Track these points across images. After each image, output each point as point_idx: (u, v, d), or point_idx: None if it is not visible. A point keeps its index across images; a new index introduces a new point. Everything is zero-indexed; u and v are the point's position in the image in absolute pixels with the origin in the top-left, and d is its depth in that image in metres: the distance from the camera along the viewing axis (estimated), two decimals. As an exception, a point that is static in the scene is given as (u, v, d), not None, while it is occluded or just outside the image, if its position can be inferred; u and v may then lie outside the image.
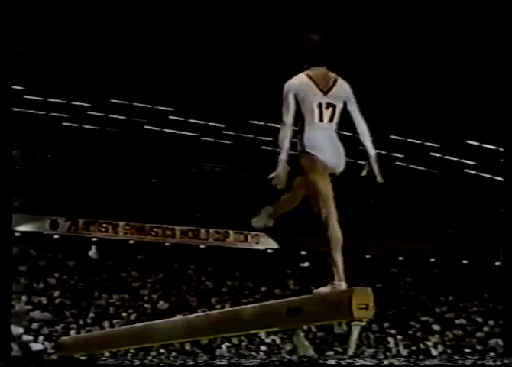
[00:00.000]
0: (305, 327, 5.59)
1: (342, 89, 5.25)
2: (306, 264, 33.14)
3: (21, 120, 28.31)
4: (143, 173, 31.35)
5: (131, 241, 29.88)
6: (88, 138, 30.86)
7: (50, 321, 24.82)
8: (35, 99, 29.21)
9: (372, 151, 5.44)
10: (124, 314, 26.20)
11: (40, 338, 23.65)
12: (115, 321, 25.12)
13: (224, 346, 25.77)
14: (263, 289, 29.62)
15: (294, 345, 5.41)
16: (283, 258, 31.94)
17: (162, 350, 24.20)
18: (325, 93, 5.15)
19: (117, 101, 30.15)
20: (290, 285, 31.08)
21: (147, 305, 27.26)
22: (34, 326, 24.31)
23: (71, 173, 30.28)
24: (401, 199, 34.58)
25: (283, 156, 5.17)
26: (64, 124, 30.82)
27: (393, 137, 33.39)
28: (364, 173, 5.47)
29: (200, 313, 6.74)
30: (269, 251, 32.20)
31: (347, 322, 5.09)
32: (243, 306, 6.04)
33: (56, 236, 28.85)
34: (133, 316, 25.85)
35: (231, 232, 31.37)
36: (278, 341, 26.45)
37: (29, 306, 25.29)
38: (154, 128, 32.13)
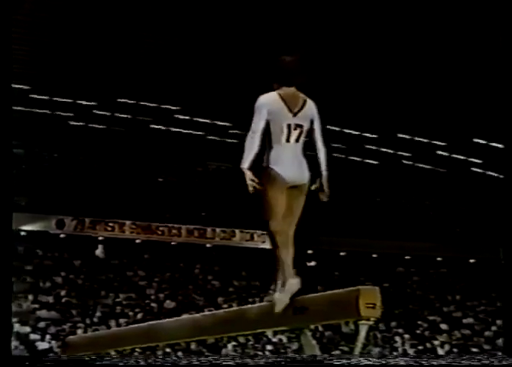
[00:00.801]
0: (311, 326, 5.57)
1: (310, 110, 5.44)
2: (312, 263, 33.11)
3: (27, 119, 28.39)
4: (149, 172, 31.38)
5: (138, 241, 29.91)
6: (94, 137, 30.90)
7: (57, 320, 24.87)
8: (41, 98, 29.25)
9: (325, 172, 5.52)
10: (130, 313, 26.24)
11: (47, 337, 23.70)
12: (121, 320, 25.16)
13: (230, 346, 25.78)
14: (269, 288, 29.56)
15: (301, 345, 5.40)
16: (289, 257, 31.89)
17: (168, 349, 24.23)
18: (295, 114, 5.34)
19: (123, 100, 30.17)
20: (297, 284, 31.02)
21: (153, 304, 27.29)
22: (41, 325, 24.36)
23: (77, 172, 30.32)
24: (408, 198, 34.52)
25: (246, 165, 5.29)
26: (70, 123, 30.85)
27: (400, 135, 33.35)
28: (312, 187, 5.54)
29: (207, 313, 6.74)
30: (275, 250, 32.13)
31: (354, 321, 5.08)
32: (250, 306, 6.05)
33: (62, 235, 28.90)
34: (139, 316, 25.89)
35: (237, 231, 31.37)
36: (285, 340, 26.45)
37: (36, 305, 25.34)
38: (160, 127, 32.15)
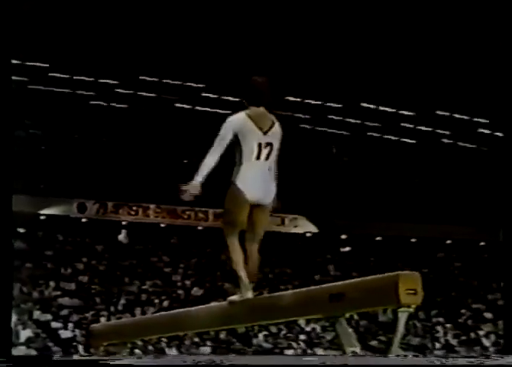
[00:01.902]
0: (347, 315, 5.54)
1: (278, 129, 5.93)
2: (347, 249, 33.07)
3: (45, 99, 28.56)
4: (174, 153, 31.44)
5: (162, 225, 30.05)
6: (116, 117, 31.00)
7: (79, 308, 25.14)
8: (60, 76, 29.38)
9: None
10: (156, 301, 26.44)
11: (70, 325, 23.98)
12: (146, 308, 25.36)
13: (261, 335, 25.88)
14: (301, 275, 29.63)
15: (337, 334, 5.37)
16: (322, 242, 31.90)
17: (196, 339, 24.40)
18: (265, 133, 5.81)
19: (146, 78, 30.20)
20: (331, 271, 31.06)
21: (180, 291, 27.46)
22: (63, 312, 24.65)
23: (99, 153, 30.48)
24: (448, 179, 34.22)
25: (200, 179, 6.06)
26: (91, 102, 30.98)
27: (439, 112, 33.05)
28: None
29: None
30: (308, 235, 32.17)
31: (393, 309, 5.05)
32: (282, 292, 6.03)
33: (83, 220, 29.12)
34: (165, 303, 26.07)
35: (267, 215, 31.35)
36: (319, 329, 26.49)
37: (57, 292, 25.62)
38: (186, 106, 32.16)
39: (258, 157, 5.80)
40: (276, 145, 5.88)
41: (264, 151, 5.81)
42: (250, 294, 5.98)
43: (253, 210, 5.94)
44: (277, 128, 5.92)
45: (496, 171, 34.04)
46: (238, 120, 5.83)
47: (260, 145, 5.78)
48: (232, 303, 6.16)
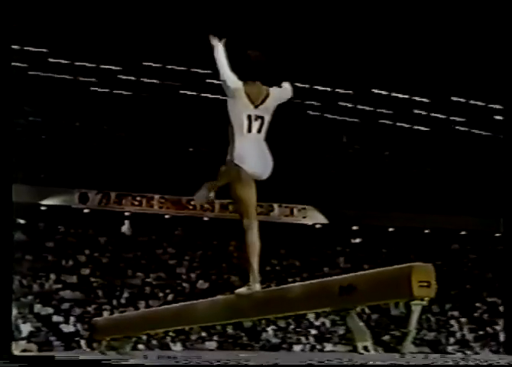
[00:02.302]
0: (358, 308, 5.54)
1: (273, 100, 5.99)
2: (358, 240, 33.08)
3: (45, 85, 28.57)
4: (179, 141, 31.46)
5: (167, 216, 30.11)
6: (119, 104, 31.01)
7: (81, 301, 25.23)
8: (60, 62, 29.38)
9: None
10: (160, 294, 26.52)
11: (71, 319, 24.08)
12: (151, 302, 25.43)
13: (270, 330, 25.94)
14: (310, 267, 29.66)
15: (348, 328, 5.36)
16: (332, 233, 31.92)
17: (204, 334, 24.48)
18: (256, 106, 5.88)
19: (149, 63, 30.18)
20: (341, 263, 31.09)
21: (185, 284, 27.53)
22: (65, 306, 24.74)
23: (101, 142, 30.51)
24: (463, 168, 34.14)
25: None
26: (93, 89, 30.98)
27: (453, 99, 32.95)
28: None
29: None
30: (317, 226, 32.18)
31: (406, 302, 5.03)
32: (290, 285, 6.02)
33: (86, 210, 29.19)
34: (170, 297, 26.15)
35: (275, 205, 31.41)
36: (329, 324, 26.53)
37: (58, 285, 25.72)
38: (190, 93, 32.14)
39: (249, 130, 5.86)
40: (267, 118, 5.94)
41: (255, 124, 5.87)
42: (258, 286, 6.02)
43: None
44: (270, 102, 5.96)
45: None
46: (235, 83, 5.96)
47: (249, 117, 5.86)
48: (240, 296, 6.16)
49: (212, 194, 6.48)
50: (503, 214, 27.88)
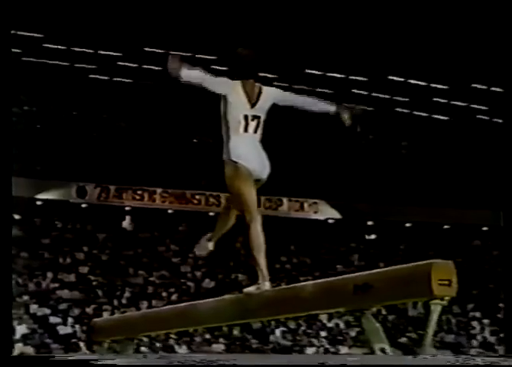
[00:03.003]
0: (374, 308, 5.54)
1: (267, 98, 6.24)
2: (373, 237, 33.06)
3: (40, 72, 28.59)
4: (182, 131, 31.48)
5: (170, 211, 30.15)
6: (119, 93, 31.03)
7: (80, 301, 25.29)
8: (57, 47, 29.41)
9: (332, 107, 6.42)
10: (164, 294, 26.56)
11: (69, 320, 24.14)
12: (153, 302, 25.48)
13: (278, 331, 25.97)
14: (322, 265, 29.67)
15: (363, 330, 5.37)
16: (345, 229, 31.90)
17: (207, 336, 24.52)
18: (252, 106, 6.14)
19: (152, 49, 30.18)
20: (355, 260, 31.08)
21: (189, 283, 27.57)
22: (62, 306, 24.81)
23: (100, 132, 30.54)
24: (485, 159, 34.05)
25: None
26: (91, 76, 31.01)
27: (474, 85, 32.87)
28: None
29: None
30: (330, 221, 32.17)
31: (425, 301, 5.03)
32: (302, 284, 6.03)
33: (84, 205, 29.24)
34: (174, 297, 26.19)
35: (284, 199, 31.41)
36: (342, 325, 26.53)
37: (55, 284, 25.79)
38: (195, 80, 32.10)
39: (246, 130, 6.09)
40: (263, 118, 6.18)
41: (252, 124, 6.10)
42: (267, 285, 6.14)
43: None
44: (264, 98, 6.20)
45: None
46: (233, 84, 6.19)
47: (246, 117, 6.09)
48: (248, 295, 6.16)
49: (212, 245, 6.93)
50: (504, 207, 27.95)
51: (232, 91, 6.16)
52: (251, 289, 6.23)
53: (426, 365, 4.83)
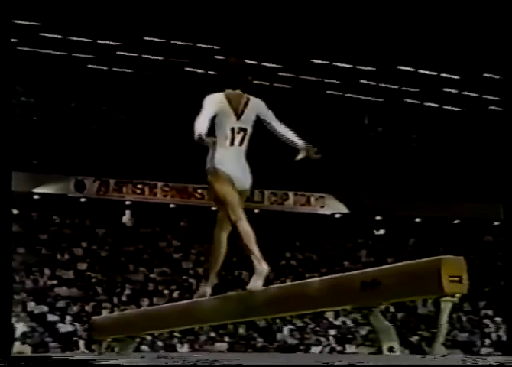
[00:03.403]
0: (382, 306, 5.54)
1: (253, 110, 6.45)
2: (381, 232, 33.06)
3: (38, 62, 28.59)
4: (184, 123, 31.41)
5: (172, 205, 30.17)
6: (118, 83, 31.02)
7: (79, 298, 25.34)
8: (54, 37, 29.40)
9: (299, 142, 6.75)
10: (165, 291, 26.60)
11: (68, 318, 24.19)
12: (154, 299, 25.53)
13: (285, 330, 25.99)
14: (329, 262, 29.68)
15: (372, 328, 5.36)
16: (353, 224, 31.90)
17: (212, 334, 24.56)
18: (238, 118, 6.37)
19: (152, 38, 30.16)
20: (362, 257, 31.09)
21: (191, 280, 27.59)
22: (60, 304, 24.86)
23: (99, 124, 30.55)
24: (498, 152, 34.02)
25: (204, 131, 6.27)
26: (89, 66, 31.01)
27: (486, 75, 32.81)
28: (299, 157, 6.77)
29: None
30: (337, 216, 32.18)
31: (435, 299, 5.03)
32: (308, 280, 6.03)
33: (82, 199, 29.27)
34: (176, 294, 26.23)
35: (290, 193, 31.42)
36: (350, 323, 26.56)
37: (53, 281, 25.84)
38: (197, 70, 32.11)
39: (232, 143, 6.35)
40: (249, 130, 6.43)
41: (238, 137, 6.36)
42: (265, 267, 6.41)
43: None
44: (250, 109, 6.42)
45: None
46: (218, 99, 6.37)
47: (233, 130, 6.34)
48: (252, 292, 6.17)
49: (209, 289, 6.84)
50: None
51: (219, 105, 6.35)
52: (252, 284, 6.31)
53: (434, 365, 4.83)
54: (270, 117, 6.53)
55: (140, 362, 5.40)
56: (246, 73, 6.60)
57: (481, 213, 32.11)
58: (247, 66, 6.74)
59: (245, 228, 6.68)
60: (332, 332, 26.38)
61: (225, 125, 6.33)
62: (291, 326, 26.09)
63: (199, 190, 30.02)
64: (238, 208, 6.53)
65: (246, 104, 6.43)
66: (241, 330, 25.14)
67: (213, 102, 6.35)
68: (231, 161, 6.36)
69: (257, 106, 6.49)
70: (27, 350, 21.57)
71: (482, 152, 33.72)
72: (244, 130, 6.39)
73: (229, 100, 6.37)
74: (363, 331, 25.42)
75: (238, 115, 6.37)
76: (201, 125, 6.29)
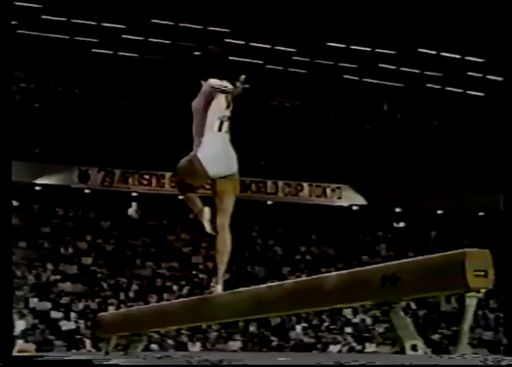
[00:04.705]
0: (403, 302, 5.52)
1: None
2: (402, 225, 33.01)
3: (39, 47, 28.61)
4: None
5: (180, 197, 30.12)
6: (124, 69, 31.03)
7: (84, 294, 25.42)
8: (56, 19, 29.42)
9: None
10: (174, 287, 26.66)
11: (72, 315, 24.28)
12: (163, 295, 25.58)
13: (299, 328, 26.02)
14: (347, 256, 29.66)
15: (391, 326, 5.35)
16: (372, 216, 31.87)
17: (224, 333, 24.60)
18: (227, 107, 6.86)
19: (159, 21, 30.15)
20: (382, 250, 31.06)
21: (202, 275, 27.63)
22: (64, 300, 24.94)
23: (104, 112, 30.58)
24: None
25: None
26: (94, 51, 31.03)
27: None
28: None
29: (270, 284, 6.74)
30: (354, 208, 32.15)
31: (459, 294, 5.01)
32: (324, 275, 6.02)
33: (86, 191, 29.33)
34: (185, 290, 26.27)
35: (305, 184, 31.39)
36: (369, 321, 26.54)
37: (57, 277, 25.92)
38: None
39: (220, 129, 6.83)
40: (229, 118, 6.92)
41: (225, 124, 6.83)
42: (219, 289, 6.83)
43: (217, 182, 7.09)
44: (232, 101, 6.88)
45: None
46: (218, 84, 6.79)
47: (222, 118, 6.82)
48: (266, 288, 6.16)
49: (220, 288, 6.91)
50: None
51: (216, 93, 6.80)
52: (209, 291, 6.90)
53: (456, 365, 4.81)
54: None
55: (141, 362, 5.41)
56: (229, 61, 7.05)
57: (507, 204, 31.99)
58: (229, 54, 7.13)
59: (226, 240, 7.17)
60: (351, 330, 26.38)
61: (216, 112, 6.79)
62: (306, 324, 26.11)
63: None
64: (228, 210, 7.23)
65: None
66: (252, 328, 25.17)
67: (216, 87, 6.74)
68: (216, 150, 6.82)
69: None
70: (31, 348, 21.65)
71: (510, 139, 33.57)
72: (229, 118, 6.88)
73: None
74: (382, 329, 25.42)
75: (227, 105, 6.84)
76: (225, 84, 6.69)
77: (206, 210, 7.32)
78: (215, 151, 6.83)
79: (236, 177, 7.12)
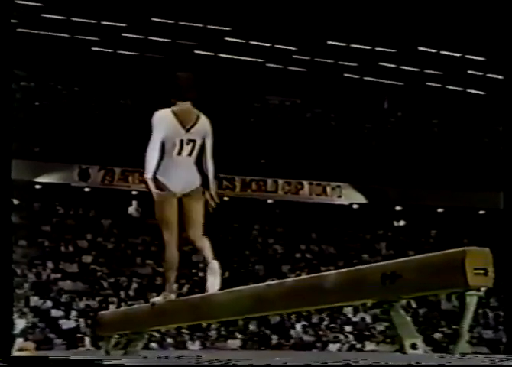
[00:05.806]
0: (403, 300, 5.52)
1: (203, 126, 6.91)
2: (402, 223, 33.02)
3: (39, 45, 28.62)
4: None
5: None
6: (124, 67, 31.04)
7: (84, 293, 25.44)
8: (56, 18, 29.43)
9: (213, 184, 7.05)
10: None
11: (73, 313, 24.29)
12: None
13: (299, 326, 26.03)
14: (347, 254, 29.68)
15: (392, 324, 5.35)
16: (372, 215, 31.88)
17: (224, 331, 24.61)
18: (188, 130, 6.83)
19: (159, 20, 30.15)
20: (382, 249, 31.08)
21: (201, 274, 27.64)
22: (64, 298, 24.96)
23: (104, 110, 30.58)
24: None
25: (150, 175, 6.88)
26: (94, 49, 31.04)
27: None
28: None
29: (269, 282, 6.75)
30: (354, 206, 32.16)
31: (459, 293, 5.01)
32: (324, 273, 6.02)
33: (87, 189, 29.35)
34: (185, 288, 26.29)
35: (305, 182, 31.39)
36: (369, 319, 26.56)
37: (57, 275, 25.94)
38: (207, 53, 32.11)
39: (180, 153, 6.80)
40: (199, 142, 6.84)
41: (186, 148, 6.79)
42: (173, 297, 7.15)
43: (184, 202, 7.01)
44: (201, 124, 6.88)
45: None
46: (162, 115, 6.90)
47: (181, 142, 6.78)
48: (266, 286, 6.17)
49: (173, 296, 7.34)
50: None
51: (166, 125, 6.81)
52: (158, 299, 7.22)
53: (456, 365, 4.81)
54: (207, 145, 6.91)
55: (141, 361, 5.41)
56: (197, 87, 7.07)
57: (507, 203, 31.99)
58: (196, 80, 7.19)
59: (172, 255, 7.38)
60: (351, 328, 26.40)
61: (174, 137, 6.76)
62: (306, 323, 26.12)
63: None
64: (173, 227, 7.16)
65: (196, 120, 6.85)
66: (252, 327, 25.19)
67: (160, 123, 6.82)
68: (174, 170, 6.83)
69: (205, 127, 6.89)
70: (31, 347, 21.64)
71: (510, 138, 33.58)
72: (194, 141, 6.80)
73: (177, 116, 6.83)
74: (382, 327, 25.44)
75: (187, 128, 6.80)
76: (150, 163, 6.83)
77: (173, 297, 7.30)
78: (173, 171, 6.88)
79: (199, 193, 7.01)
